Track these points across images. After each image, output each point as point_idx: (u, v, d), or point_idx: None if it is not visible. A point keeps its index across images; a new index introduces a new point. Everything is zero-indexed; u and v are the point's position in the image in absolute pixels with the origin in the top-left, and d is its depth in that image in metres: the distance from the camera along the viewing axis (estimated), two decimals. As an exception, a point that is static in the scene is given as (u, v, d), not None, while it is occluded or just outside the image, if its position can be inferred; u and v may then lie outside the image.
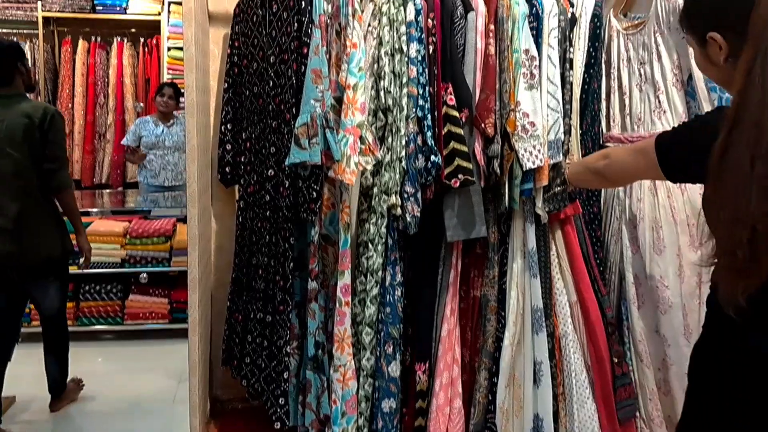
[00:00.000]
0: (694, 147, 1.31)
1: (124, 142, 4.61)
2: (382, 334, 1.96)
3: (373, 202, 1.91)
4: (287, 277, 1.97)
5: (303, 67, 1.86)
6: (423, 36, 1.89)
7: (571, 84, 2.03)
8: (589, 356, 2.12)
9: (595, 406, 2.08)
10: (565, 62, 2.02)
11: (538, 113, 1.93)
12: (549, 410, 2.03)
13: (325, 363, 1.97)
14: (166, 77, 5.29)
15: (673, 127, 1.43)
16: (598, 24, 2.08)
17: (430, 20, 1.91)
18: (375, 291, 1.94)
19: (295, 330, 2.03)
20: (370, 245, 1.92)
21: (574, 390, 2.07)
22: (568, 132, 2.01)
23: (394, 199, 1.88)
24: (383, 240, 1.93)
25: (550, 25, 1.99)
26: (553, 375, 2.06)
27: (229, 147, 2.27)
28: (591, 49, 2.08)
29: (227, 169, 2.30)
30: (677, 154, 1.37)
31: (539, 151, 1.92)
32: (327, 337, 1.98)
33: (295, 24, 1.88)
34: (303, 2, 1.86)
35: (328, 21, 1.96)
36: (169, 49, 5.37)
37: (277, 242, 1.99)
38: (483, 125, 1.91)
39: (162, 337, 3.92)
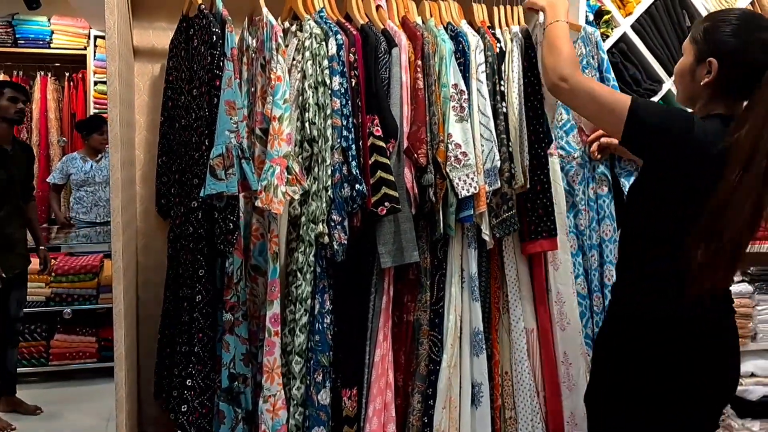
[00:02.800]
0: (670, 131, 1.46)
1: (50, 180, 4.49)
2: (311, 362, 1.97)
3: (301, 231, 1.94)
4: (203, 310, 1.97)
5: (216, 99, 1.89)
6: (345, 70, 1.95)
7: (505, 115, 2.11)
8: (542, 382, 2.21)
9: (545, 430, 2.17)
10: (496, 95, 2.11)
11: (470, 143, 2.02)
12: (488, 431, 2.09)
13: (245, 395, 1.97)
14: (92, 111, 5.20)
15: (650, 101, 1.55)
16: (533, 55, 2.17)
17: (351, 55, 1.97)
18: (304, 319, 1.96)
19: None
20: (299, 274, 1.94)
21: (525, 414, 2.16)
22: (508, 159, 2.08)
23: (321, 227, 1.91)
24: (312, 268, 1.96)
25: (477, 60, 2.08)
26: (492, 397, 2.13)
27: (165, 179, 2.27)
28: (532, 78, 2.15)
29: (163, 201, 2.29)
30: (650, 128, 1.49)
31: (473, 179, 2.00)
32: (257, 368, 1.98)
33: (208, 57, 1.90)
34: (215, 36, 1.89)
35: (253, 54, 2.00)
36: (95, 83, 5.30)
37: (198, 274, 1.99)
38: (416, 155, 1.98)
39: (90, 377, 3.81)
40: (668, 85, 2.31)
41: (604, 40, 2.19)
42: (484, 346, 2.09)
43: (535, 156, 2.12)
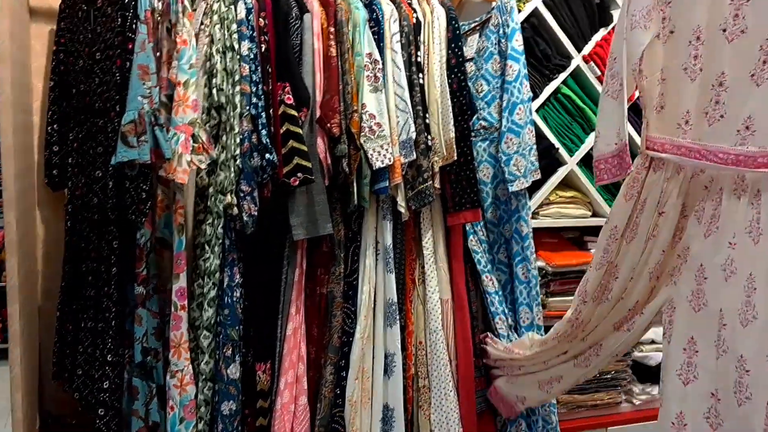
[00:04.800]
0: None
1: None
2: (221, 336, 1.93)
3: (209, 203, 1.88)
4: (111, 283, 1.89)
5: (128, 63, 1.80)
6: (255, 35, 1.89)
7: (421, 86, 2.10)
8: (456, 350, 2.23)
9: (457, 398, 2.20)
10: (412, 65, 2.09)
11: (384, 114, 2.00)
12: (400, 400, 2.12)
13: (157, 370, 1.91)
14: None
15: None
16: (456, 26, 2.16)
17: (261, 19, 1.91)
18: (213, 293, 1.91)
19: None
20: (206, 247, 1.89)
21: (438, 382, 2.18)
22: (424, 131, 2.08)
23: (230, 198, 1.86)
24: (220, 241, 1.91)
25: (392, 29, 2.06)
26: (404, 366, 2.15)
27: (56, 148, 2.14)
28: (456, 50, 2.15)
29: (54, 171, 2.16)
30: None
31: (387, 150, 1.98)
32: (163, 343, 1.92)
33: (119, 19, 1.81)
34: (127, -3, 1.80)
35: (159, 18, 1.91)
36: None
37: (104, 247, 1.90)
38: (329, 125, 1.95)
39: (-7, 359, 3.61)
40: (577, 60, 2.36)
41: (517, 13, 2.21)
42: (397, 317, 2.10)
43: (459, 128, 2.13)
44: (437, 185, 2.14)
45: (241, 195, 1.87)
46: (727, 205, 1.37)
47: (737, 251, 1.34)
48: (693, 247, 1.48)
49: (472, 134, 2.21)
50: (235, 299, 1.94)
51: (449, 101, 2.12)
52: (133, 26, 1.81)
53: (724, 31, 1.33)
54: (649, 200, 1.53)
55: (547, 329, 2.38)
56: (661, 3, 1.46)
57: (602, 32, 2.40)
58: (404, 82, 2.05)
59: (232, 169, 1.86)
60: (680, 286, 1.52)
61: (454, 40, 2.15)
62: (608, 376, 2.47)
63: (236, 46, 1.86)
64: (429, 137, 2.08)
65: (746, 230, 1.32)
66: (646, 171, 1.53)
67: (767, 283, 1.27)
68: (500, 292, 2.26)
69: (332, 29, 1.98)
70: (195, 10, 1.89)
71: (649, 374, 2.51)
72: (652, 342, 2.49)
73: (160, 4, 1.90)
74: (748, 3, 1.28)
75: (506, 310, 2.25)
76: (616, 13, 2.41)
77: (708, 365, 1.42)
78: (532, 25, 2.31)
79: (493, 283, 2.25)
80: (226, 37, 1.86)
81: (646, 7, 1.46)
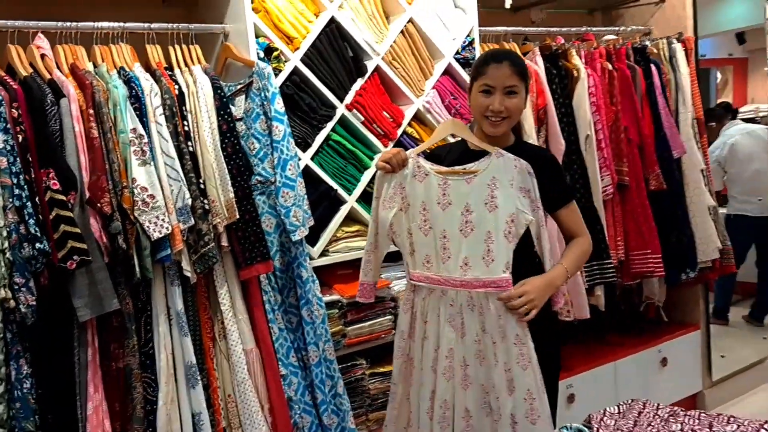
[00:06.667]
0: None
1: None
2: (16, 430, 1.90)
3: (-20, 300, 1.85)
4: None
5: None
6: (9, 126, 1.90)
7: (191, 153, 2.20)
8: (267, 394, 2.34)
9: None
10: (179, 135, 2.19)
11: (156, 186, 2.07)
12: (212, 456, 2.19)
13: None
14: None
15: None
16: (222, 94, 2.30)
17: (14, 110, 1.92)
18: (1, 389, 1.88)
19: None
20: (-15, 344, 1.86)
21: (252, 429, 2.27)
22: (200, 195, 2.18)
23: (3, 292, 1.84)
24: (1, 335, 1.88)
25: (153, 103, 2.15)
26: (212, 423, 2.23)
27: None
28: (225, 116, 2.29)
29: None
30: None
31: (164, 220, 2.06)
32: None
33: None
34: None
35: None
36: None
37: None
38: (99, 204, 1.99)
39: None
40: (341, 109, 2.58)
41: (276, 75, 2.38)
42: (198, 377, 2.18)
43: (239, 188, 2.27)
44: (225, 243, 2.26)
45: (16, 288, 1.86)
46: (467, 314, 2.00)
47: (482, 345, 2.00)
48: (450, 345, 2.02)
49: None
50: (25, 391, 1.93)
51: (224, 165, 2.24)
52: None
53: (439, 203, 2.04)
54: (417, 312, 2.11)
55: (345, 358, 2.58)
56: (398, 188, 2.10)
57: (360, 82, 2.64)
58: (173, 152, 2.14)
59: (2, 263, 1.85)
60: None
61: (222, 107, 2.28)
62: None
63: (-11, 141, 1.85)
64: (206, 201, 2.19)
65: (482, 329, 1.98)
66: (413, 293, 2.13)
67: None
68: (287, 335, 2.42)
69: (91, 111, 2.03)
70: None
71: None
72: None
73: None
74: (449, 186, 2.03)
75: (291, 349, 2.42)
76: (369, 63, 2.66)
77: None
78: (294, 82, 2.49)
79: (279, 327, 2.40)
80: (-23, 132, 1.85)
81: (390, 194, 2.11)
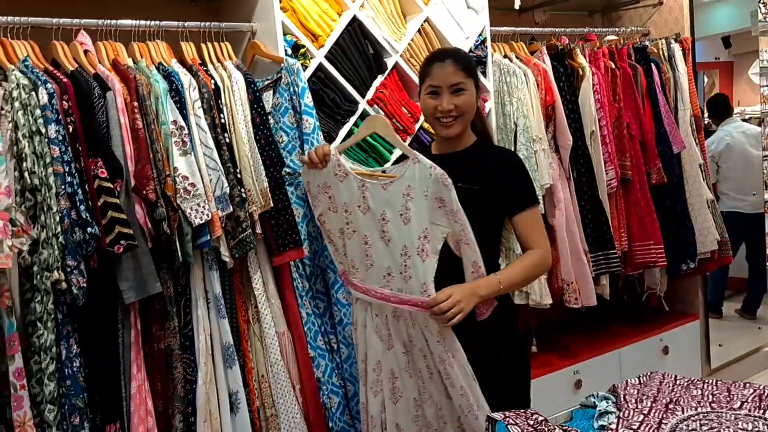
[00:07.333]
0: None
1: None
2: (66, 407, 1.99)
3: (35, 281, 1.94)
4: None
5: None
6: (60, 117, 2.00)
7: (228, 144, 2.31)
8: (299, 376, 2.45)
9: (303, 418, 2.41)
10: (216, 127, 2.30)
11: (197, 174, 2.18)
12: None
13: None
14: None
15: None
16: (255, 88, 2.41)
17: (65, 102, 2.02)
18: (52, 368, 1.97)
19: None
20: (38, 323, 1.94)
21: (285, 408, 2.38)
22: (237, 185, 2.28)
23: (56, 274, 1.94)
24: (52, 316, 1.97)
25: (192, 97, 2.25)
26: (248, 401, 2.33)
27: None
28: (258, 110, 2.39)
29: None
30: None
31: (204, 207, 2.16)
32: (6, 425, 1.94)
33: None
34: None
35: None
36: None
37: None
38: (144, 192, 2.09)
39: None
40: (363, 105, 2.70)
41: (303, 71, 2.50)
42: (236, 357, 2.28)
43: (272, 178, 2.37)
44: (259, 231, 2.36)
45: (68, 270, 1.95)
46: (393, 324, 1.96)
47: (412, 356, 1.96)
48: (377, 357, 2.03)
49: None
50: (75, 369, 2.02)
51: (258, 155, 2.35)
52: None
53: (359, 206, 1.98)
54: (358, 318, 2.10)
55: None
56: (324, 188, 2.06)
57: (380, 78, 2.76)
58: (211, 143, 2.25)
59: (56, 247, 1.94)
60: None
61: (255, 101, 2.40)
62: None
63: (43, 130, 1.95)
64: (243, 190, 2.30)
65: (409, 340, 1.94)
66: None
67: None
68: (315, 320, 2.52)
69: (135, 103, 2.14)
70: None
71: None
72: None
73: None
74: (367, 189, 1.95)
75: (319, 333, 2.52)
76: (388, 60, 2.78)
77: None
78: (319, 78, 2.61)
79: (307, 312, 2.50)
80: (31, 122, 1.94)
81: (314, 193, 2.09)
